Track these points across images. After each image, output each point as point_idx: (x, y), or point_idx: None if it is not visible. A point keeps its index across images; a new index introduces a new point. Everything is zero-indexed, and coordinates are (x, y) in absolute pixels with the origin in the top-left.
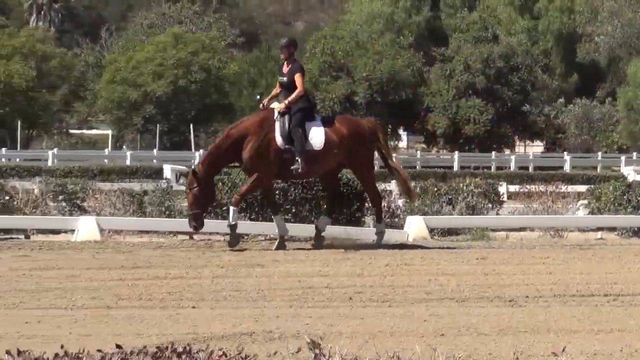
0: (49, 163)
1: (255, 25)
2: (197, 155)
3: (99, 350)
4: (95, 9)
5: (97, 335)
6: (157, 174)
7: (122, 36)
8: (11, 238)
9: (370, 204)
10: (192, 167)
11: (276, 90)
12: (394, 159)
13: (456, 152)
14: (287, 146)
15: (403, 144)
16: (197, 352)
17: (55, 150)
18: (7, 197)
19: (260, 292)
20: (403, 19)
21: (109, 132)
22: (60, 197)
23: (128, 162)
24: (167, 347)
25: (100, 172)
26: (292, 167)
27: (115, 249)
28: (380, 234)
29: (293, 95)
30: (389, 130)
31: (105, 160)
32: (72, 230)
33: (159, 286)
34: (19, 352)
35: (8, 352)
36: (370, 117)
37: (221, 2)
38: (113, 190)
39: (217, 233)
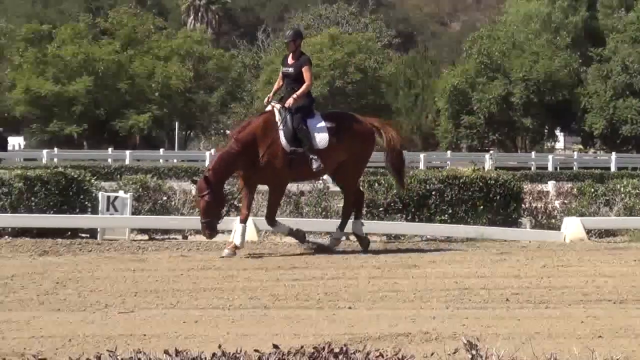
0: (206, 164)
1: (412, 26)
2: None
3: (256, 350)
4: (252, 10)
5: (254, 335)
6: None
7: (278, 37)
8: (169, 238)
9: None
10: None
11: (279, 83)
12: (403, 158)
13: (613, 153)
14: (292, 148)
15: (560, 145)
16: (353, 352)
17: (212, 151)
18: (164, 198)
19: (417, 292)
20: (560, 19)
21: None
22: None
23: None
24: (323, 348)
25: None
26: (313, 168)
27: (272, 249)
28: (359, 235)
29: (302, 89)
30: (545, 130)
31: None
32: (230, 231)
33: (315, 287)
34: (177, 352)
35: (166, 352)
36: (373, 117)
37: (377, 3)
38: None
39: (375, 234)
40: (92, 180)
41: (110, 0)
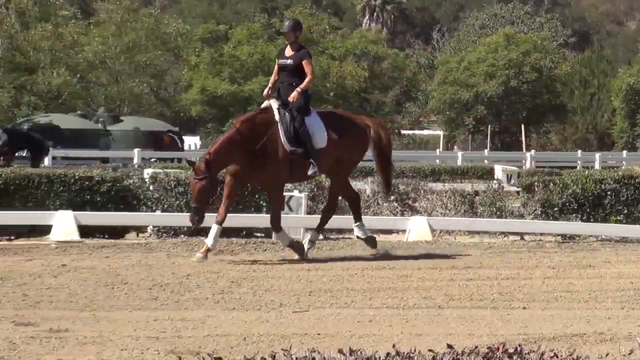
0: None
1: (587, 25)
2: (528, 156)
3: (430, 350)
4: (428, 10)
5: (428, 335)
6: (488, 174)
7: (453, 37)
8: (343, 238)
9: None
10: (205, 156)
11: (274, 76)
12: (390, 159)
13: None
14: (292, 148)
15: None
16: (528, 353)
17: None
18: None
19: (592, 293)
20: None
21: (440, 132)
22: (392, 198)
23: (459, 163)
24: (497, 348)
25: (431, 173)
26: (309, 173)
27: (446, 249)
28: (364, 237)
29: (305, 82)
30: None
31: (437, 161)
32: (403, 231)
33: (489, 286)
34: (351, 351)
35: (340, 351)
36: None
37: (553, 2)
38: (444, 190)
39: (550, 234)
40: None
41: (285, 1)
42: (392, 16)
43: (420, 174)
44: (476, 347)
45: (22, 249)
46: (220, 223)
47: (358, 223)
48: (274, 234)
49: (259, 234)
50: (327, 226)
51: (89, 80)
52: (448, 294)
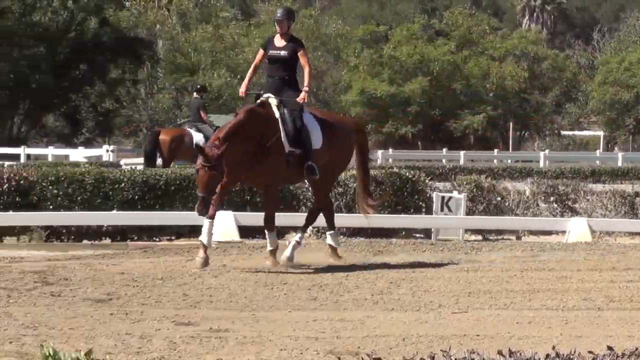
0: (540, 164)
1: None
2: None
3: (590, 352)
4: (588, 10)
5: (587, 337)
6: None
7: (614, 37)
8: (503, 239)
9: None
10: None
11: (254, 70)
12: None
13: None
14: (291, 149)
15: None
16: None
17: (546, 151)
18: (499, 198)
19: None
20: None
21: (600, 133)
22: (552, 199)
23: (619, 164)
24: None
25: (591, 174)
26: (312, 177)
27: (606, 250)
28: (336, 246)
29: (307, 78)
30: None
31: (597, 162)
32: (563, 232)
33: None
34: (511, 353)
35: (500, 352)
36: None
37: None
38: (604, 191)
39: None
40: (427, 181)
41: (445, 1)
42: (552, 16)
43: (580, 175)
44: (636, 348)
45: (182, 249)
46: (212, 217)
47: (332, 232)
48: (268, 234)
49: (418, 235)
50: (487, 227)
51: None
52: (608, 295)
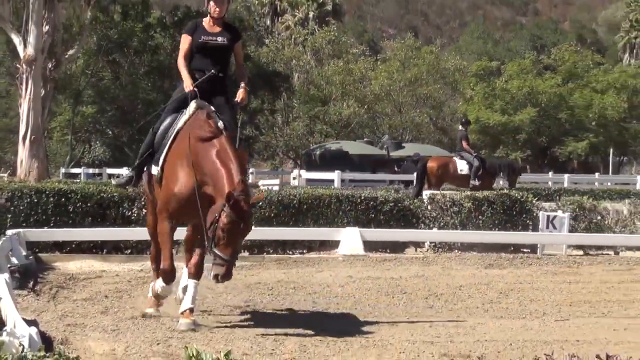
0: (637, 187)
1: None
2: None
3: None
4: None
5: None
6: None
7: None
8: (602, 254)
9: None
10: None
11: (185, 57)
12: None
13: None
14: None
15: None
16: None
17: None
18: (599, 217)
19: None
20: None
21: None
22: None
23: None
24: None
25: None
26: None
27: None
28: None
29: (245, 76)
30: None
31: None
32: None
33: None
34: (608, 357)
35: (598, 356)
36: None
37: None
38: None
39: None
40: (534, 201)
41: (553, 39)
42: None
43: None
44: None
45: (313, 262)
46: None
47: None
48: None
49: (525, 250)
50: (588, 243)
51: (375, 111)
52: None
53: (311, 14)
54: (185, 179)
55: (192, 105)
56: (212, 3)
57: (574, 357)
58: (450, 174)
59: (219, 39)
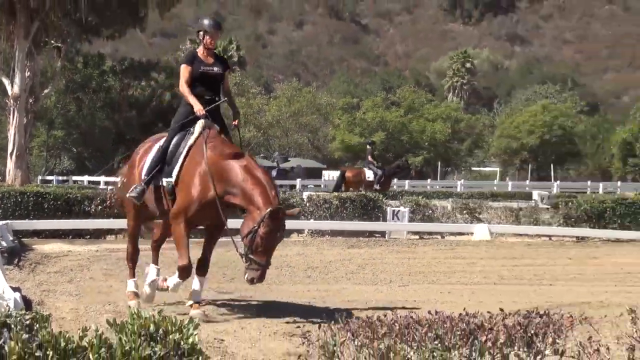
0: (458, 189)
1: (597, 99)
2: (555, 185)
3: (488, 312)
4: (490, 88)
5: (486, 303)
6: (528, 197)
7: (508, 106)
8: (432, 237)
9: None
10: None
11: (189, 84)
12: None
13: None
14: None
15: None
16: (552, 314)
17: (462, 181)
18: (430, 211)
19: (596, 275)
20: None
21: (497, 169)
22: (465, 212)
23: (509, 189)
24: (532, 311)
25: (491, 195)
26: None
27: (499, 245)
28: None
29: (234, 103)
30: None
31: (494, 188)
32: (471, 233)
33: (528, 270)
34: (436, 312)
35: (429, 312)
36: None
37: (574, 83)
38: (499, 207)
39: (568, 236)
40: (383, 200)
41: (398, 82)
42: (467, 92)
43: (484, 196)
44: (518, 310)
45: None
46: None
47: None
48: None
49: (377, 235)
50: (422, 230)
51: (268, 135)
52: (500, 275)
53: None
54: (204, 187)
55: (200, 124)
56: (207, 36)
57: (412, 312)
58: (362, 181)
59: (215, 68)
